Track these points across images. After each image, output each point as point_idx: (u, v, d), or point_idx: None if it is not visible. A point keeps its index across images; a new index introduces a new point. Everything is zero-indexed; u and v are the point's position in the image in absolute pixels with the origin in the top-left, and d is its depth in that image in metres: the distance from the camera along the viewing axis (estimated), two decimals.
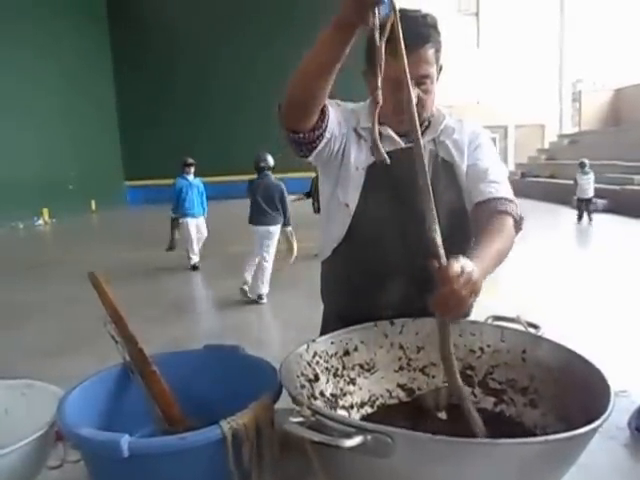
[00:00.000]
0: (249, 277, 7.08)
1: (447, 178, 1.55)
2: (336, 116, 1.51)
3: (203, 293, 8.32)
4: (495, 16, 23.91)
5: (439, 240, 1.10)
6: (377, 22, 1.12)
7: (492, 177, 1.52)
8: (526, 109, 23.18)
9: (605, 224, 12.90)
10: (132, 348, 1.34)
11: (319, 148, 1.49)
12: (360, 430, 0.82)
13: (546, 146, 23.91)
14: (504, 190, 1.51)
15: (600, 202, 14.60)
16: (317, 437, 0.81)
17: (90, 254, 10.65)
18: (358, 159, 1.56)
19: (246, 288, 6.99)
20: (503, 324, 1.35)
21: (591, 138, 21.09)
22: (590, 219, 13.17)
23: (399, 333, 1.39)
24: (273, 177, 7.02)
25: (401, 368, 1.38)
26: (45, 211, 18.86)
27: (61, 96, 19.68)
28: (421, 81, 1.46)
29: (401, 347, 1.39)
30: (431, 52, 1.45)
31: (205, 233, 9.26)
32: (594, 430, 0.87)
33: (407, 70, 1.14)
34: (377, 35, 1.13)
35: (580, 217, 13.29)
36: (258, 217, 6.89)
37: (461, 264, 1.06)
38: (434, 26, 1.48)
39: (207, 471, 1.00)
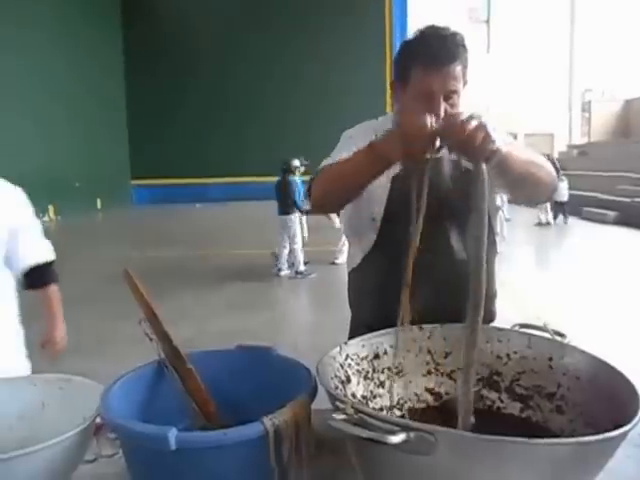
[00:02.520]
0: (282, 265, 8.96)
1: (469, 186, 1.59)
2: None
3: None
4: (505, 24, 23.99)
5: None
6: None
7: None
8: (536, 118, 23.20)
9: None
10: (167, 346, 1.38)
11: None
12: (404, 428, 0.86)
13: (555, 155, 23.92)
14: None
15: (610, 214, 14.64)
16: (365, 434, 0.85)
17: (99, 252, 10.74)
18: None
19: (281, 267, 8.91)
20: (530, 331, 1.38)
21: (601, 150, 21.11)
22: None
23: (427, 338, 1.42)
24: (292, 177, 8.86)
25: (429, 372, 1.41)
26: (51, 208, 18.89)
27: (70, 92, 19.66)
28: (449, 96, 1.52)
29: (429, 352, 1.42)
30: (459, 69, 1.51)
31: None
32: (625, 434, 0.90)
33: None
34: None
35: (555, 217, 15.05)
36: (280, 208, 8.85)
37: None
38: (462, 44, 1.55)
39: (248, 466, 1.04)
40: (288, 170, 8.91)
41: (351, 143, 1.59)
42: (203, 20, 20.51)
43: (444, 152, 1.46)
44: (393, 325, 1.45)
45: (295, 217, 8.91)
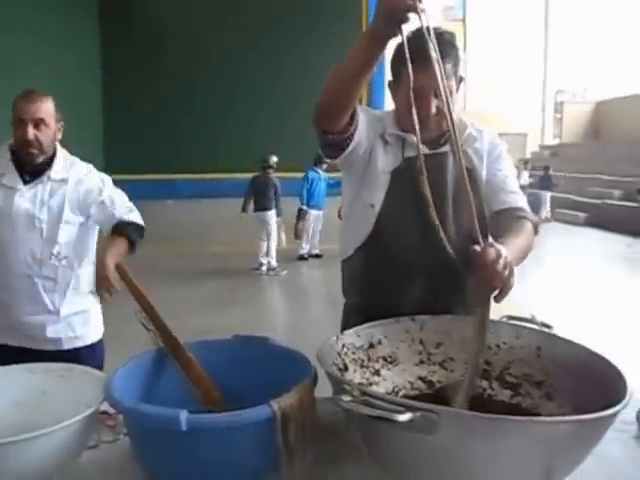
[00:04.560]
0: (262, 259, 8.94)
1: (470, 185, 1.65)
2: (365, 121, 1.60)
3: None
4: (481, 23, 24.24)
5: (478, 224, 1.19)
6: (404, 35, 1.24)
7: (511, 188, 1.66)
8: (510, 117, 23.49)
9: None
10: (165, 336, 1.41)
11: (348, 151, 1.59)
12: (409, 408, 0.91)
13: (528, 155, 24.29)
14: (521, 200, 1.65)
15: (581, 216, 14.93)
16: (374, 412, 0.90)
17: None
18: (384, 163, 1.65)
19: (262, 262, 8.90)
20: (518, 323, 1.44)
21: (572, 150, 21.49)
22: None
23: (419, 329, 1.48)
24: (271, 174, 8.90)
25: (421, 362, 1.46)
26: None
27: (44, 89, 19.06)
28: (440, 94, 1.55)
29: (421, 342, 1.47)
30: (449, 66, 1.55)
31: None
32: (616, 414, 0.97)
33: (444, 82, 1.22)
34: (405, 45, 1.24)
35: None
36: (256, 205, 8.82)
37: (496, 248, 1.15)
38: (451, 42, 1.60)
39: (256, 447, 1.08)
40: (267, 166, 8.93)
41: (362, 108, 1.64)
42: (176, 15, 20.13)
43: (447, 148, 1.52)
44: (386, 311, 1.50)
45: (272, 213, 8.88)
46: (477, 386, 1.39)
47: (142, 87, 19.36)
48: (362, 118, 1.57)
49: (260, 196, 8.85)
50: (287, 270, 9.04)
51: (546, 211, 15.67)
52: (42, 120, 2.05)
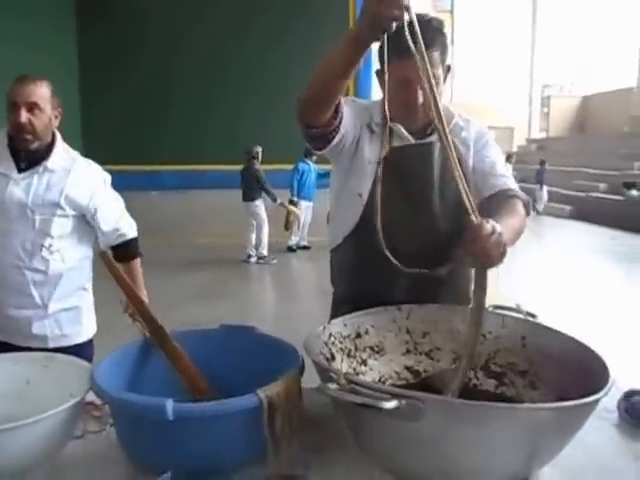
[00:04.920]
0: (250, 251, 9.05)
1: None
2: (350, 113, 1.60)
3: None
4: (469, 15, 24.26)
5: (473, 203, 1.20)
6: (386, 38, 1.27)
7: (500, 171, 1.65)
8: (497, 111, 23.54)
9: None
10: (152, 326, 1.40)
11: (334, 142, 1.58)
12: (394, 395, 0.91)
13: (514, 149, 24.39)
14: (512, 183, 1.64)
15: (567, 209, 15.03)
16: (359, 400, 0.90)
17: None
18: (371, 153, 1.65)
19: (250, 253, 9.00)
20: (503, 312, 1.45)
21: (558, 144, 21.60)
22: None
23: (406, 318, 1.49)
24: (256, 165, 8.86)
25: (408, 351, 1.47)
26: None
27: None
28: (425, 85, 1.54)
29: (408, 332, 1.48)
30: (436, 54, 1.54)
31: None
32: (597, 401, 0.99)
33: (430, 73, 1.22)
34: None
35: None
36: (244, 195, 8.90)
37: (492, 224, 1.17)
38: (439, 30, 1.58)
39: (243, 436, 1.09)
40: (251, 157, 8.97)
41: (350, 101, 1.65)
42: (159, 3, 19.71)
43: (434, 138, 1.52)
44: (374, 299, 1.51)
45: (260, 202, 8.95)
46: (453, 377, 1.40)
47: (122, 78, 19.07)
48: (347, 110, 1.57)
49: (246, 187, 8.90)
50: (277, 259, 9.07)
51: (543, 205, 15.69)
52: (36, 104, 2.00)
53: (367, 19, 1.18)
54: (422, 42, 1.20)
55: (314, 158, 9.45)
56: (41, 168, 2.05)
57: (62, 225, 2.09)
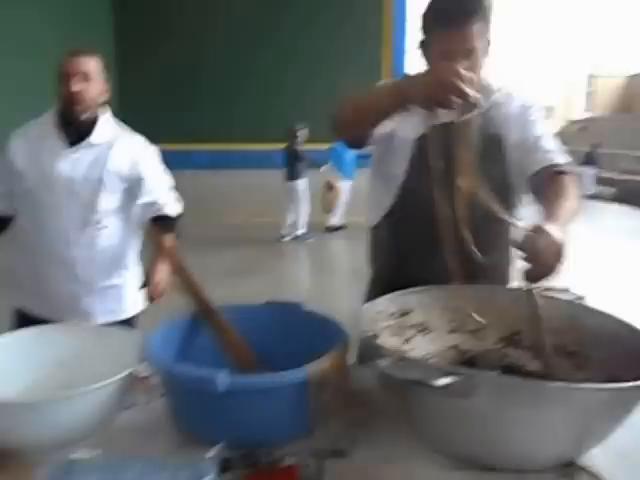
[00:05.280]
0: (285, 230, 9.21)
1: (495, 153, 1.61)
2: None
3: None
4: None
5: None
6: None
7: (546, 147, 1.58)
8: (539, 91, 23.05)
9: None
10: (199, 299, 1.42)
11: (371, 142, 1.63)
12: (447, 372, 0.91)
13: (557, 130, 23.89)
14: (559, 158, 1.56)
15: (608, 191, 14.67)
16: (414, 376, 0.91)
17: None
18: (407, 132, 1.63)
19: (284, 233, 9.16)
20: (552, 294, 1.43)
21: (602, 125, 21.05)
22: None
23: (453, 297, 1.47)
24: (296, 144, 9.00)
25: (453, 331, 1.46)
26: None
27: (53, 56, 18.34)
28: (468, 55, 1.47)
29: (454, 310, 1.47)
30: (476, 26, 1.46)
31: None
32: None
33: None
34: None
35: None
36: (287, 174, 9.06)
37: (546, 233, 1.15)
38: (481, 0, 1.50)
39: (290, 410, 1.10)
40: (293, 136, 9.05)
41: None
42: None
43: (472, 115, 1.49)
44: (412, 279, 1.50)
45: (302, 182, 9.07)
46: (509, 356, 1.39)
47: (156, 56, 18.99)
48: None
49: (289, 166, 9.02)
50: (312, 239, 9.14)
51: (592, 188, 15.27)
52: (86, 74, 2.03)
53: (422, 94, 1.24)
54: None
55: None
56: (86, 143, 2.09)
57: (108, 201, 2.12)
